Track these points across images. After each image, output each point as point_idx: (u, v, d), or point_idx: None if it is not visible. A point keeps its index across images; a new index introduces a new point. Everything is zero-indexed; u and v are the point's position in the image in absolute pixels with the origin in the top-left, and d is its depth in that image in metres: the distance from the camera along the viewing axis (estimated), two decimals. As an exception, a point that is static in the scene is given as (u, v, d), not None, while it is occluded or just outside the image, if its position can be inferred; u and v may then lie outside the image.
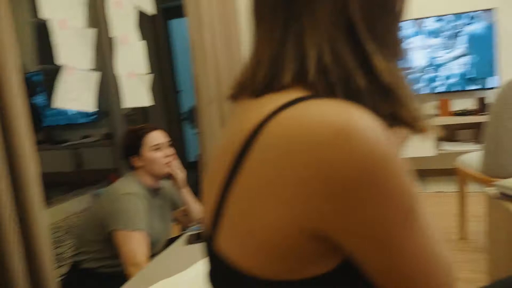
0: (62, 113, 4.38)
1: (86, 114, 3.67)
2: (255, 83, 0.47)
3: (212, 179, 0.47)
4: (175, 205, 1.84)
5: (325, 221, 0.38)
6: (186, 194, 1.75)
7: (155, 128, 1.65)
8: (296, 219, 0.38)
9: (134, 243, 1.40)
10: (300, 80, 0.44)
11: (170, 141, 1.68)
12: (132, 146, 1.62)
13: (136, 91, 2.61)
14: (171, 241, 1.71)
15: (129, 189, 1.51)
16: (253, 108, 0.45)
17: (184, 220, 1.85)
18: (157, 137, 1.62)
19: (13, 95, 1.32)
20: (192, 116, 4.48)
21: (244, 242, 0.41)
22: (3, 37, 1.28)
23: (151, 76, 2.73)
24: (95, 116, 3.67)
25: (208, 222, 0.47)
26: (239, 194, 0.42)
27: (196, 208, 1.78)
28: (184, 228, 2.19)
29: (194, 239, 1.34)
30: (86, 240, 1.55)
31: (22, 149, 1.34)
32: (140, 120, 3.68)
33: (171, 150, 1.65)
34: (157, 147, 1.61)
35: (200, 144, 3.26)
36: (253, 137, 0.41)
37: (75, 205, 3.43)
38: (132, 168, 1.65)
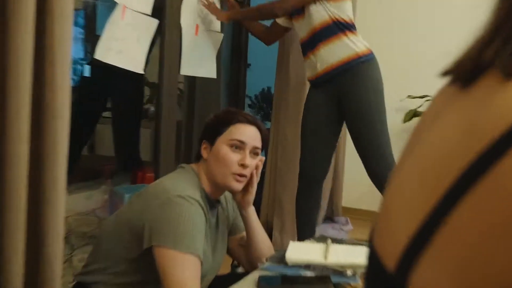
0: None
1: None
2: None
3: (408, 191, 0.49)
4: (233, 229, 1.84)
5: None
6: (251, 217, 1.74)
7: (253, 122, 1.66)
8: None
9: (188, 271, 1.40)
10: None
11: (260, 147, 1.68)
12: (212, 128, 1.66)
13: (199, 53, 2.67)
14: (218, 279, 1.72)
15: (187, 191, 1.50)
16: (499, 97, 0.43)
17: (238, 251, 1.85)
18: (247, 132, 1.63)
19: (60, 41, 1.40)
20: (263, 103, 4.52)
21: (469, 284, 0.41)
22: None
23: (220, 36, 2.80)
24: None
25: (394, 250, 0.48)
26: (472, 217, 0.41)
27: (262, 238, 1.77)
28: (235, 264, 2.19)
29: (266, 283, 1.32)
30: (107, 254, 1.56)
31: (55, 115, 1.41)
32: (186, 101, 3.77)
33: (254, 161, 1.64)
34: (237, 144, 1.61)
35: (270, 143, 3.27)
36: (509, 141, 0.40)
37: (77, 203, 3.58)
38: (198, 159, 1.68)
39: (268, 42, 2.97)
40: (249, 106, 4.54)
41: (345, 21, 2.51)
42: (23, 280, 1.39)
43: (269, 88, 4.64)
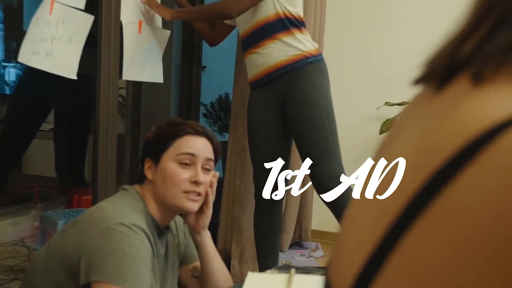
0: None
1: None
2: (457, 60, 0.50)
3: (362, 216, 0.51)
4: (184, 258, 1.83)
5: None
6: (206, 243, 1.74)
7: (203, 134, 1.68)
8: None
9: None
10: None
11: (213, 160, 1.69)
12: (155, 144, 1.66)
13: (144, 55, 2.65)
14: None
15: (130, 218, 1.49)
16: (467, 102, 0.45)
17: (192, 284, 1.84)
18: (196, 145, 1.64)
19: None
20: (220, 112, 4.52)
21: None
22: None
23: (167, 34, 2.79)
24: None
25: (344, 280, 0.50)
26: (422, 243, 0.43)
27: (219, 267, 1.76)
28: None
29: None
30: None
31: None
32: (130, 108, 3.73)
33: (207, 177, 1.65)
34: (187, 159, 1.62)
35: (228, 158, 3.27)
36: (472, 151, 0.42)
37: (3, 231, 3.49)
38: (142, 180, 1.67)
39: (213, 43, 2.99)
40: (204, 115, 4.54)
41: (294, 17, 2.56)
42: None
43: (227, 95, 4.61)
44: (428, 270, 0.42)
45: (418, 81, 0.56)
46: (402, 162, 0.48)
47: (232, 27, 2.89)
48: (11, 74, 4.36)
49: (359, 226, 0.52)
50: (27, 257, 3.22)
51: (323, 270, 1.61)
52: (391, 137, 0.57)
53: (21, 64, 3.52)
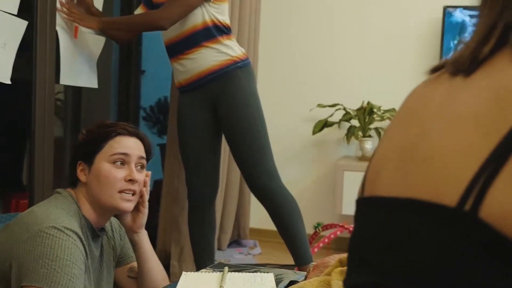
0: None
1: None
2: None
3: (461, 139, 0.64)
4: (121, 259, 1.80)
5: None
6: (143, 243, 1.72)
7: (134, 134, 1.66)
8: None
9: None
10: None
11: (145, 158, 1.68)
12: (87, 147, 1.63)
13: (81, 61, 2.61)
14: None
15: (62, 221, 1.46)
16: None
17: (128, 284, 1.82)
18: (128, 144, 1.62)
19: None
20: (160, 114, 4.50)
21: None
22: None
23: (102, 41, 2.75)
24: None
25: (453, 188, 0.62)
26: None
27: (156, 266, 1.75)
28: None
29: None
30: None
31: None
32: (71, 112, 3.67)
33: (141, 175, 1.64)
34: (120, 159, 1.60)
35: (166, 159, 3.25)
36: None
37: None
38: (74, 184, 1.64)
39: (123, 41, 2.93)
40: (144, 118, 4.50)
41: (222, 24, 2.60)
42: None
43: (166, 98, 4.60)
44: None
45: (435, 70, 0.77)
46: (487, 102, 0.64)
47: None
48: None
49: (462, 144, 0.64)
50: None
51: (259, 267, 1.63)
52: (430, 106, 0.73)
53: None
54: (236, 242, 3.79)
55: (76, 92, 3.49)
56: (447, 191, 0.62)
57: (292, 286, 1.33)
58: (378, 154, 0.79)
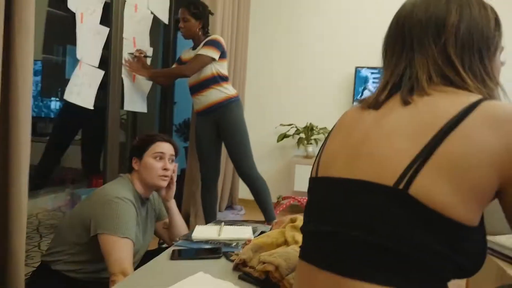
0: (46, 105, 4.28)
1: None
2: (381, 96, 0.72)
3: (398, 140, 0.64)
4: (158, 217, 1.79)
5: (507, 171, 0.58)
6: (172, 208, 1.72)
7: (168, 140, 1.65)
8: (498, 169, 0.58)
9: (123, 251, 1.33)
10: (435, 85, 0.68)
11: (174, 156, 1.66)
12: (139, 148, 1.61)
13: (137, 95, 2.59)
14: (148, 253, 1.66)
15: (123, 193, 1.45)
16: (431, 103, 0.65)
17: (163, 233, 1.81)
18: (164, 147, 1.61)
19: (23, 81, 1.29)
20: (185, 128, 4.46)
21: (454, 187, 0.57)
22: (24, 23, 1.26)
23: (149, 84, 2.74)
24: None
25: (391, 172, 0.62)
26: (450, 150, 0.59)
27: (180, 222, 1.74)
28: (161, 242, 2.13)
29: (178, 255, 1.30)
30: (64, 240, 1.46)
31: (18, 137, 1.30)
32: (130, 126, 3.63)
33: (172, 165, 1.63)
34: (159, 156, 1.59)
35: (188, 156, 3.24)
36: (462, 116, 0.60)
37: (47, 202, 3.32)
38: (130, 170, 1.62)
39: (166, 86, 2.92)
40: (175, 131, 4.45)
41: (223, 75, 2.58)
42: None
43: (188, 119, 4.58)
44: (456, 159, 0.58)
45: (360, 103, 0.76)
46: (403, 130, 0.64)
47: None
48: (52, 105, 4.14)
49: (399, 143, 0.63)
50: (61, 218, 3.07)
51: (243, 223, 1.57)
52: (365, 119, 0.72)
53: (63, 100, 3.37)
54: (230, 207, 3.76)
55: (133, 114, 3.46)
56: (387, 176, 0.61)
57: (262, 234, 1.33)
58: (327, 151, 0.75)
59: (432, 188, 0.58)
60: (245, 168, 2.60)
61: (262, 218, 2.72)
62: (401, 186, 0.59)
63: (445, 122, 0.61)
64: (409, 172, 0.59)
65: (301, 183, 3.45)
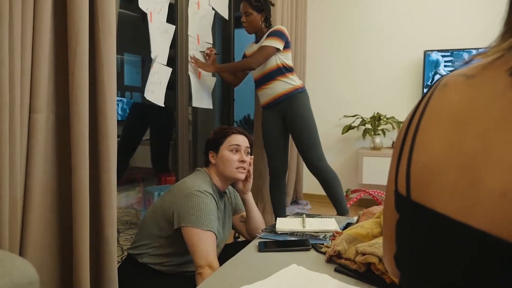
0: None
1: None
2: None
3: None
4: (235, 210, 1.77)
5: None
6: (250, 200, 1.69)
7: (242, 133, 1.63)
8: None
9: (207, 243, 1.33)
10: None
11: (250, 148, 1.64)
12: (214, 141, 1.60)
13: (203, 91, 2.62)
14: (226, 247, 1.65)
15: (203, 187, 1.45)
16: None
17: (240, 226, 1.79)
18: (239, 139, 1.59)
19: (107, 77, 1.32)
20: (245, 125, 4.49)
21: None
22: (107, 22, 1.29)
23: (214, 80, 2.75)
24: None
25: None
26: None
27: (257, 215, 1.71)
28: (236, 236, 2.13)
29: (265, 247, 1.26)
30: (148, 233, 1.49)
31: (106, 132, 1.34)
32: (192, 123, 3.70)
33: (248, 158, 1.60)
34: (235, 148, 1.57)
35: (253, 153, 3.23)
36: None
37: (120, 200, 3.47)
38: (207, 164, 1.62)
39: (235, 85, 2.90)
40: (236, 127, 4.50)
41: (288, 66, 2.53)
42: (90, 253, 1.32)
43: (248, 115, 4.63)
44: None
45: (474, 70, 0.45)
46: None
47: (246, 74, 2.78)
48: (119, 107, 4.33)
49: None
50: (134, 215, 3.19)
51: (320, 215, 1.44)
52: (475, 116, 0.43)
53: (131, 102, 3.50)
54: (295, 201, 3.72)
55: (195, 113, 3.53)
56: None
57: (354, 224, 1.26)
58: (426, 156, 0.46)
59: None
60: (314, 160, 2.53)
61: (329, 213, 2.65)
62: None
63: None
64: None
65: (370, 176, 3.31)
